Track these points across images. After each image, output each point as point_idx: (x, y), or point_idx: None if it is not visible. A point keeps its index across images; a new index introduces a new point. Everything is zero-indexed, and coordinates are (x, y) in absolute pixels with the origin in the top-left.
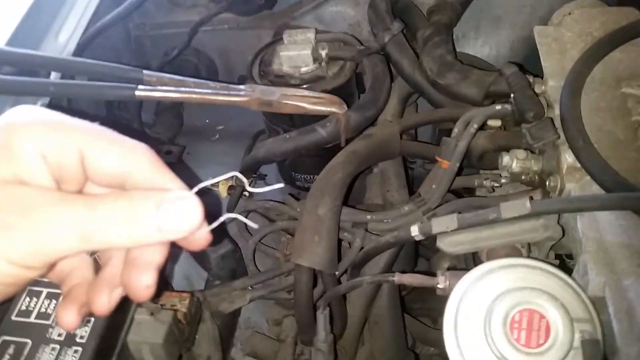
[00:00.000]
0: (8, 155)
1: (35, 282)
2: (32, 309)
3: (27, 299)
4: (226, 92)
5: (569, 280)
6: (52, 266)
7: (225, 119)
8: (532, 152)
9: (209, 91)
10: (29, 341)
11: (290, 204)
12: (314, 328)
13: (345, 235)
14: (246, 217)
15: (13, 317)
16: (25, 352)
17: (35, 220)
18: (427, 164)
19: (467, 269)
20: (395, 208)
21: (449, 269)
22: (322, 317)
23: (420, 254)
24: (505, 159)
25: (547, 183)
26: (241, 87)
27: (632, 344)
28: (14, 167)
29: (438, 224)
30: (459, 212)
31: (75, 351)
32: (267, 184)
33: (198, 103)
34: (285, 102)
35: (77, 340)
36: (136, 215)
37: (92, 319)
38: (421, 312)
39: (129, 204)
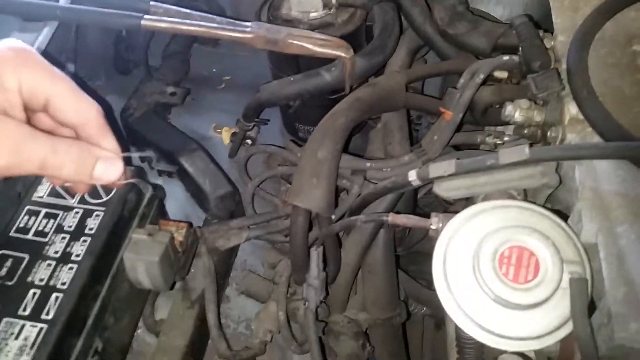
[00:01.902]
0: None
1: (35, 203)
2: (30, 226)
3: (26, 217)
4: (232, 27)
5: (562, 223)
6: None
7: (233, 70)
8: (536, 103)
9: (215, 25)
10: (26, 256)
11: (291, 149)
12: (307, 268)
13: (344, 183)
14: (246, 163)
15: (11, 233)
16: (22, 266)
17: (9, 148)
18: (433, 124)
19: None
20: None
21: None
22: (315, 253)
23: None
24: (508, 108)
25: (549, 134)
26: (247, 23)
27: (619, 287)
28: (2, 99)
29: (436, 169)
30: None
31: (70, 268)
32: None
33: (204, 36)
34: (290, 41)
35: (73, 258)
36: (82, 163)
37: (89, 239)
38: (416, 274)
39: (79, 153)
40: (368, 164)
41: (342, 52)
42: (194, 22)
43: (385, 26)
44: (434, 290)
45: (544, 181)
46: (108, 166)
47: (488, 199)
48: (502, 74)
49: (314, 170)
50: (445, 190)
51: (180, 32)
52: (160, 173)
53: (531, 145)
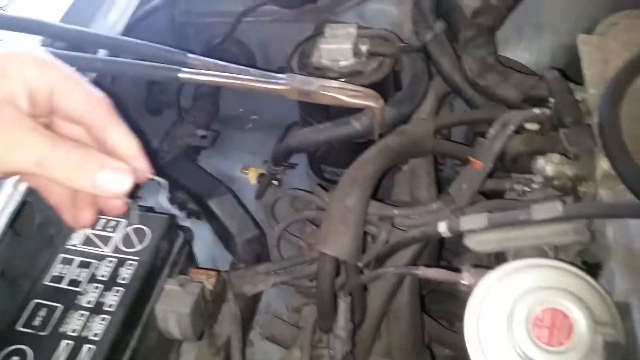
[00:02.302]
0: (3, 77)
1: (69, 251)
2: (64, 275)
3: (60, 265)
4: (267, 79)
5: (595, 284)
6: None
7: (260, 109)
8: (567, 157)
9: (251, 78)
10: (60, 306)
11: (317, 194)
12: (334, 316)
13: (371, 229)
14: (273, 206)
15: (46, 282)
16: (56, 316)
17: (7, 137)
18: (458, 166)
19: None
20: (423, 205)
21: None
22: (343, 304)
23: (442, 257)
24: (540, 162)
25: (580, 188)
26: (281, 75)
27: None
28: (6, 87)
29: (467, 222)
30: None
31: (103, 319)
32: None
33: (239, 89)
34: (322, 92)
35: (106, 308)
36: (83, 167)
37: (123, 289)
38: (439, 314)
39: (82, 156)
40: (396, 211)
41: (372, 102)
42: (230, 75)
43: (415, 76)
44: (456, 331)
45: (576, 238)
46: (115, 176)
47: (519, 254)
48: (532, 126)
49: (342, 218)
50: (476, 243)
51: (217, 84)
52: (189, 215)
53: (561, 198)
